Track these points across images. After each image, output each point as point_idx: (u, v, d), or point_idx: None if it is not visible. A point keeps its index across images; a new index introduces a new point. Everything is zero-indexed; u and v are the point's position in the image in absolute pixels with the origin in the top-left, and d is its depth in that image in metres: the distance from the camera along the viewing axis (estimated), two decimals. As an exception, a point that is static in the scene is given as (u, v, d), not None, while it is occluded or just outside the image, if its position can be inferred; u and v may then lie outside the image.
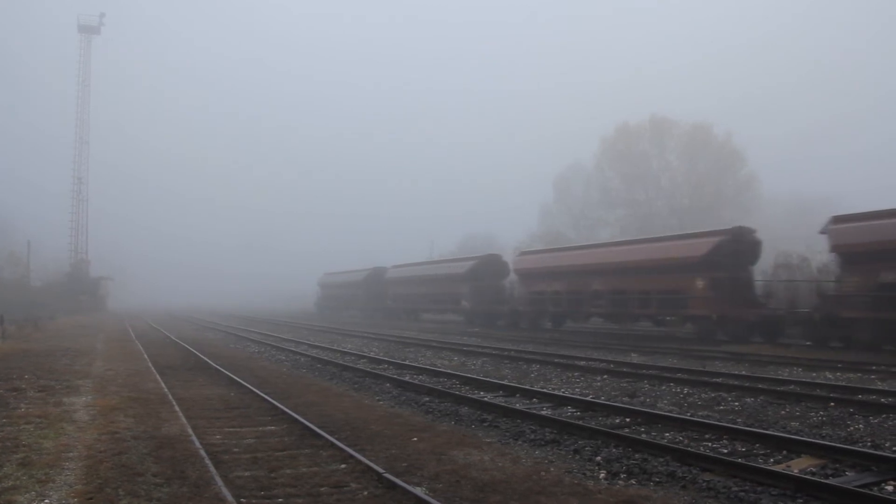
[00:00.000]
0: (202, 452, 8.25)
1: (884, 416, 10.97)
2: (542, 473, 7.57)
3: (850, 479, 7.32)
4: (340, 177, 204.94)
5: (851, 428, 10.21)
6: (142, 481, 7.07)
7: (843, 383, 14.44)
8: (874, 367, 16.75)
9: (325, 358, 20.83)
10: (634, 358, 20.44)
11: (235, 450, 8.79)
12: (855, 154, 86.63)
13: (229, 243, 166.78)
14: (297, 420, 10.44)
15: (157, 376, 15.89)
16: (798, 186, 61.84)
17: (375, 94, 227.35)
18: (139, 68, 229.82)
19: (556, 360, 19.51)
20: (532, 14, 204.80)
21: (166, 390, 13.66)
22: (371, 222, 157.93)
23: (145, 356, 20.95)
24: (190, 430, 9.61)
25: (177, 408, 11.56)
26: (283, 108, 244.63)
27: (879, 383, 14.66)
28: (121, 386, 14.31)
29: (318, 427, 9.78)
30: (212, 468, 7.51)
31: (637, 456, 8.39)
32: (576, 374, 16.98)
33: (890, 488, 7.08)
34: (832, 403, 12.02)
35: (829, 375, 16.13)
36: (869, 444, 9.13)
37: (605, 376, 16.28)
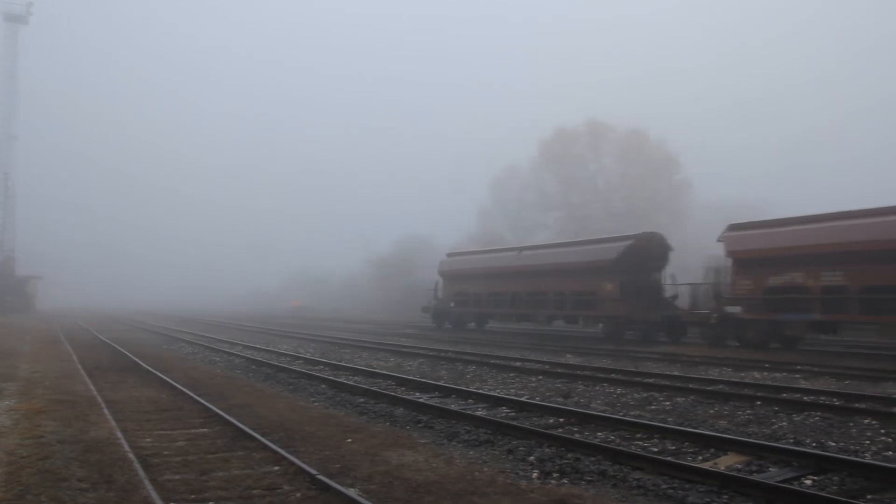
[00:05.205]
0: (131, 456, 8.07)
1: (806, 413, 11.36)
2: (476, 474, 7.62)
3: (772, 474, 7.56)
4: (329, 174, 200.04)
5: (776, 425, 10.54)
6: (66, 487, 6.88)
7: (770, 382, 14.89)
8: (799, 367, 17.30)
9: (260, 359, 20.58)
10: (570, 359, 20.70)
11: (166, 453, 8.61)
12: (844, 161, 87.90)
13: (221, 242, 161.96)
14: (229, 422, 10.28)
15: (86, 378, 15.48)
16: (787, 192, 62.90)
17: (370, 92, 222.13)
18: (135, 64, 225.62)
19: (492, 362, 19.65)
20: (530, 16, 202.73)
21: (95, 392, 13.32)
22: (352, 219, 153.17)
23: (74, 358, 20.39)
24: (119, 434, 9.39)
25: (105, 410, 11.28)
26: (277, 105, 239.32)
27: (803, 382, 15.14)
28: (47, 388, 13.90)
29: (252, 429, 9.66)
30: (141, 472, 7.35)
31: (570, 455, 8.50)
32: (511, 374, 17.12)
33: (808, 482, 7.34)
34: (759, 402, 12.37)
35: (756, 375, 16.60)
36: (791, 440, 9.43)
37: (541, 377, 16.45)
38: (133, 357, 20.56)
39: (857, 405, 11.83)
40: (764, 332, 22.23)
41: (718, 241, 24.03)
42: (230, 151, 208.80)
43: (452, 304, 38.52)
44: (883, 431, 9.96)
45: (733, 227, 23.94)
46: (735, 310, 23.34)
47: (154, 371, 16.87)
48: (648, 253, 27.69)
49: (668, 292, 28.07)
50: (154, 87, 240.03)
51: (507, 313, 34.58)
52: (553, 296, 30.58)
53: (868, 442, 9.39)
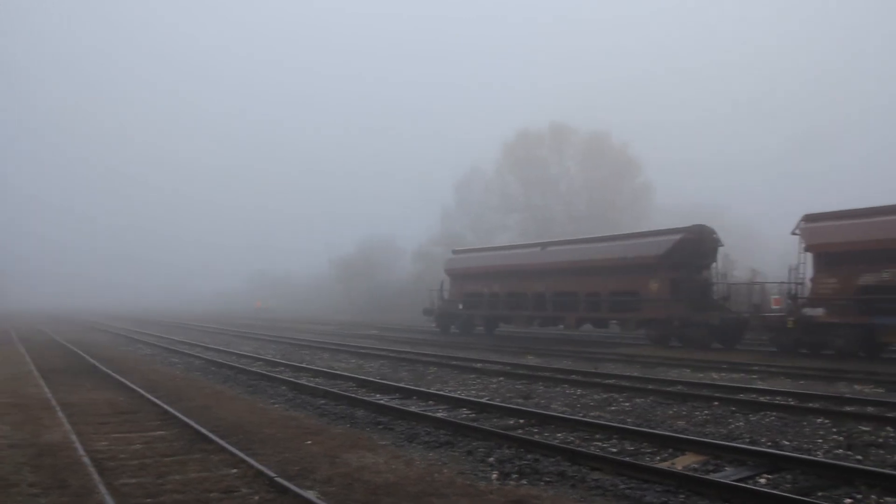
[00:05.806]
0: (86, 459, 7.95)
1: (761, 413, 11.53)
2: (435, 475, 7.62)
3: (728, 474, 7.68)
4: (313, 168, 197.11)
5: (732, 425, 10.68)
6: (16, 492, 6.75)
7: (727, 383, 15.06)
8: (756, 368, 17.55)
9: (220, 360, 20.38)
10: (531, 360, 20.79)
11: (122, 456, 8.49)
12: (844, 161, 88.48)
13: (221, 242, 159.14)
14: (187, 424, 10.18)
15: (40, 380, 15.20)
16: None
17: (370, 92, 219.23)
18: (135, 64, 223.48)
19: (453, 363, 19.66)
20: (530, 16, 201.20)
21: (49, 395, 13.09)
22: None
23: (28, 359, 20.00)
24: (73, 437, 9.24)
25: (60, 414, 11.09)
26: (277, 105, 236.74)
27: (760, 382, 15.36)
28: (-1, 391, 13.63)
29: (210, 431, 9.57)
30: (95, 476, 7.25)
31: (529, 456, 8.55)
32: (472, 376, 17.14)
33: (763, 481, 7.46)
34: (716, 402, 12.53)
35: (714, 376, 16.79)
36: (747, 440, 9.58)
37: (502, 378, 16.50)
38: (90, 359, 20.22)
39: (810, 405, 12.04)
40: (853, 337, 19.21)
41: (793, 234, 20.91)
42: (230, 151, 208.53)
43: (461, 306, 33.92)
44: (835, 430, 10.14)
45: (811, 218, 20.65)
46: (816, 312, 19.94)
47: (112, 373, 16.64)
48: (699, 248, 24.54)
49: (718, 292, 25.22)
50: (154, 87, 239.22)
51: (528, 316, 30.18)
52: (585, 296, 27.18)
53: (821, 440, 9.56)
